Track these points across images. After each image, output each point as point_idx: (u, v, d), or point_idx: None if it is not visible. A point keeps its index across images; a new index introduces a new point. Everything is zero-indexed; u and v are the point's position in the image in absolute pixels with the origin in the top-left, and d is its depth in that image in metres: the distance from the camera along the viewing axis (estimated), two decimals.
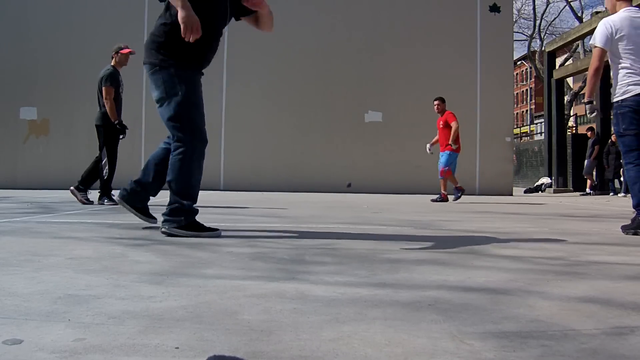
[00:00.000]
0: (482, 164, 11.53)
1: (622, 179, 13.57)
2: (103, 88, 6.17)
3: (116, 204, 4.82)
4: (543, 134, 19.60)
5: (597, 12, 17.31)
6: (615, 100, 3.93)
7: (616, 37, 3.89)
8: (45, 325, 1.40)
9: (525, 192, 15.16)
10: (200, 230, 3.33)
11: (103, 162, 6.23)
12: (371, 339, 1.33)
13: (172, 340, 1.29)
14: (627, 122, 3.84)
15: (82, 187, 6.30)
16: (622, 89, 3.88)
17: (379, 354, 1.22)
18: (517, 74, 51.58)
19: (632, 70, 3.84)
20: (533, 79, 46.85)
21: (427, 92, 11.26)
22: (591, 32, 16.11)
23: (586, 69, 17.69)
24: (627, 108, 3.83)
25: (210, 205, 6.45)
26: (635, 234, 3.81)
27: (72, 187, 6.31)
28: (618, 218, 5.96)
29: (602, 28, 3.97)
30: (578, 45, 23.68)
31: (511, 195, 11.43)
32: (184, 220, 3.31)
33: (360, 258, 2.61)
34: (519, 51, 37.56)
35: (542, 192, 15.61)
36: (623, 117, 3.86)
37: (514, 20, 21.72)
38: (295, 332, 1.38)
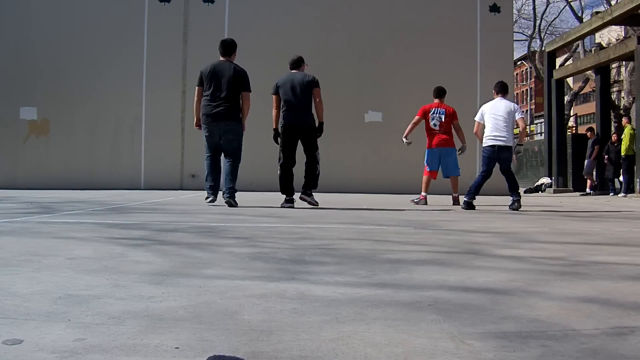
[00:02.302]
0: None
1: (621, 178, 13.57)
2: (317, 90, 6.26)
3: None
4: (543, 134, 19.59)
5: (597, 12, 17.30)
6: (483, 145, 7.00)
7: (485, 114, 6.95)
8: (45, 325, 1.40)
9: (525, 192, 15.15)
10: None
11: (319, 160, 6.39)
12: (371, 339, 1.33)
13: (172, 340, 1.29)
14: (484, 160, 6.96)
15: (310, 191, 6.38)
16: (485, 140, 6.90)
17: (379, 354, 1.22)
18: (517, 74, 51.55)
19: (489, 132, 6.90)
20: (533, 79, 46.83)
21: (427, 92, 11.17)
22: (591, 32, 16.13)
23: (586, 69, 17.70)
24: (485, 151, 6.93)
25: (210, 205, 6.45)
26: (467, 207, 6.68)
27: (301, 195, 6.37)
28: (618, 218, 5.96)
29: (480, 110, 7.11)
30: (578, 45, 23.63)
31: None
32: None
33: (360, 258, 2.61)
34: (519, 51, 37.50)
35: (542, 192, 15.60)
36: (483, 157, 6.98)
37: (514, 20, 21.69)
38: (295, 332, 1.38)
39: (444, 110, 7.75)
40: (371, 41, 11.76)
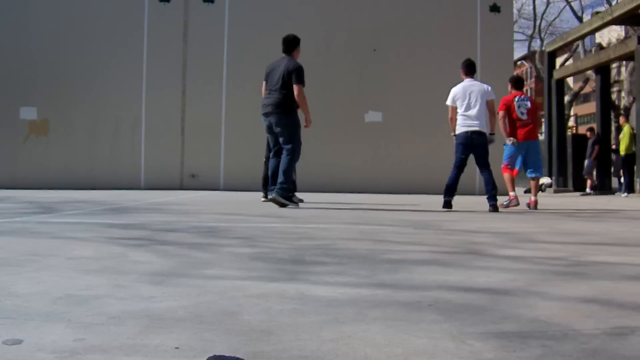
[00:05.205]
0: None
1: (621, 179, 13.58)
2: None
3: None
4: (543, 134, 19.58)
5: (597, 12, 17.30)
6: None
7: (456, 98, 6.39)
8: (45, 325, 1.40)
9: (525, 192, 15.12)
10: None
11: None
12: (371, 339, 1.33)
13: (172, 340, 1.29)
14: (459, 148, 6.38)
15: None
16: (458, 128, 6.39)
17: (379, 354, 1.22)
18: (517, 74, 51.58)
19: (463, 118, 6.31)
20: (533, 79, 46.82)
21: (427, 92, 11.24)
22: (591, 32, 16.14)
23: (586, 69, 17.70)
24: (459, 139, 6.39)
25: (210, 205, 6.45)
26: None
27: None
28: (618, 218, 5.96)
29: (451, 93, 6.48)
30: (578, 45, 23.64)
31: None
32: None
33: (360, 258, 2.61)
34: (519, 51, 37.49)
35: (542, 192, 15.58)
36: (457, 144, 6.42)
37: (514, 20, 21.69)
38: (295, 332, 1.38)
39: (528, 97, 7.20)
40: (371, 41, 11.76)
